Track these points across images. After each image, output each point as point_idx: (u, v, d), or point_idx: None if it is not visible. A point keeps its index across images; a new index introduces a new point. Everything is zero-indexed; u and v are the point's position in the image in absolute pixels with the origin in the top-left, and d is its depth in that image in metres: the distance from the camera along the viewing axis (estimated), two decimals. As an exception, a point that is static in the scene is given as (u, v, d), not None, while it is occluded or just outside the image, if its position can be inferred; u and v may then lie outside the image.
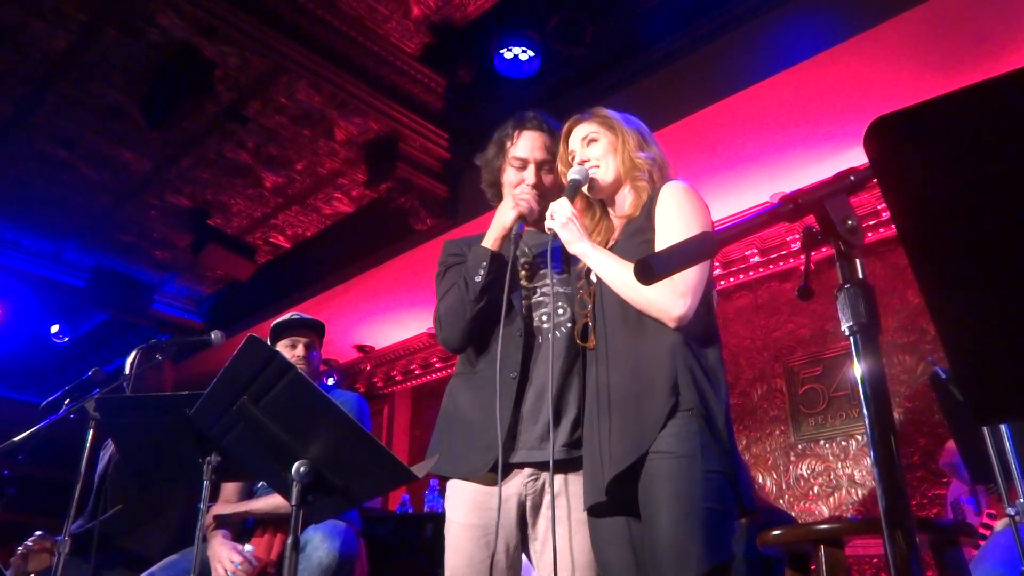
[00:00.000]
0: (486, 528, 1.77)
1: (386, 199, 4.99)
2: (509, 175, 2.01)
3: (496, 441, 1.75)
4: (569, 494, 1.79)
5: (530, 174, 1.97)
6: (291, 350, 2.82)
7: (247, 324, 6.16)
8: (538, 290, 1.94)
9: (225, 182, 5.35)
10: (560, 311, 1.90)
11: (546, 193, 1.96)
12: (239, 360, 1.50)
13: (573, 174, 1.84)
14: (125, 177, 5.29)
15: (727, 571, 1.52)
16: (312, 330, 2.91)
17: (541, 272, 1.96)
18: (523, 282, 1.95)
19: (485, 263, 1.85)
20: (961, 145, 0.66)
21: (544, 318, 1.91)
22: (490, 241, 1.88)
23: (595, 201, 1.94)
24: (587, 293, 1.83)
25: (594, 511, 1.72)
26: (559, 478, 1.80)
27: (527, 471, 1.82)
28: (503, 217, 1.90)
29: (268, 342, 2.87)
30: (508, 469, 1.81)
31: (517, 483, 1.82)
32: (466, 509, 1.81)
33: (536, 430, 1.81)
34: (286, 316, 2.92)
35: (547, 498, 1.81)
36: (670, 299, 1.63)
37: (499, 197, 2.07)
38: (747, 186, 4.47)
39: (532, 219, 1.91)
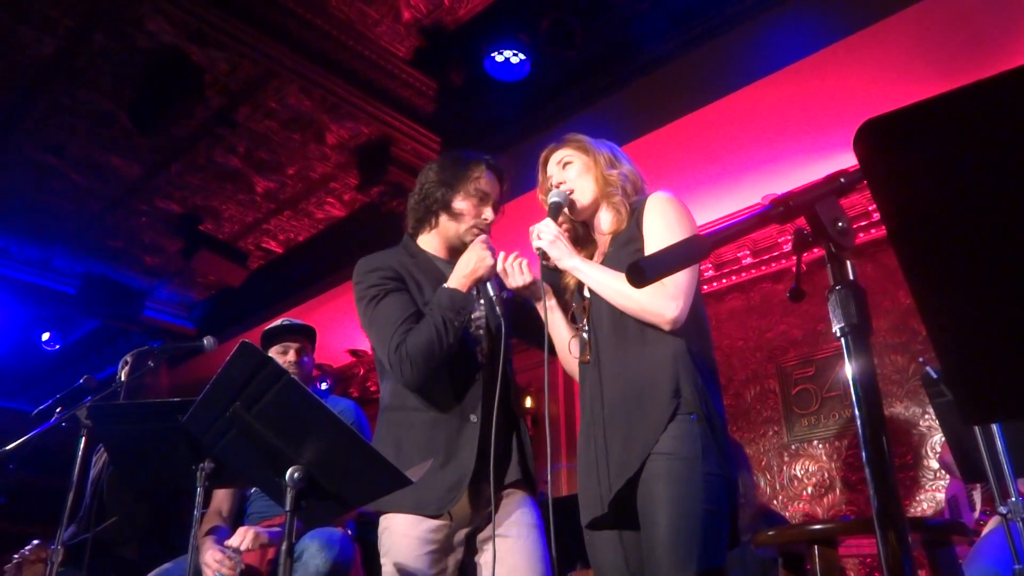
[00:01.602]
0: (436, 557, 1.87)
1: (378, 203, 4.98)
2: (467, 206, 2.07)
3: (464, 477, 1.86)
4: (515, 504, 1.93)
5: (490, 212, 2.09)
6: (282, 356, 2.80)
7: (240, 330, 6.12)
8: (473, 324, 2.03)
9: (216, 187, 5.32)
10: (485, 340, 2.02)
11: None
12: (232, 366, 1.49)
13: (554, 197, 1.88)
14: (115, 183, 5.26)
15: (723, 573, 1.54)
16: (303, 335, 2.89)
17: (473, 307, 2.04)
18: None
19: (463, 308, 1.90)
20: (951, 147, 0.66)
21: (479, 351, 2.00)
22: (462, 285, 1.92)
23: (576, 224, 1.96)
24: (580, 308, 1.86)
25: (592, 521, 1.72)
26: (510, 493, 1.95)
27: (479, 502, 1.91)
28: (478, 269, 1.94)
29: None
30: (481, 497, 1.91)
31: (468, 514, 1.92)
32: (419, 544, 1.86)
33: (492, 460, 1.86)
34: (277, 322, 2.91)
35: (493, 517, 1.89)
36: (662, 303, 1.65)
37: (430, 213, 2.11)
38: (738, 188, 4.48)
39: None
